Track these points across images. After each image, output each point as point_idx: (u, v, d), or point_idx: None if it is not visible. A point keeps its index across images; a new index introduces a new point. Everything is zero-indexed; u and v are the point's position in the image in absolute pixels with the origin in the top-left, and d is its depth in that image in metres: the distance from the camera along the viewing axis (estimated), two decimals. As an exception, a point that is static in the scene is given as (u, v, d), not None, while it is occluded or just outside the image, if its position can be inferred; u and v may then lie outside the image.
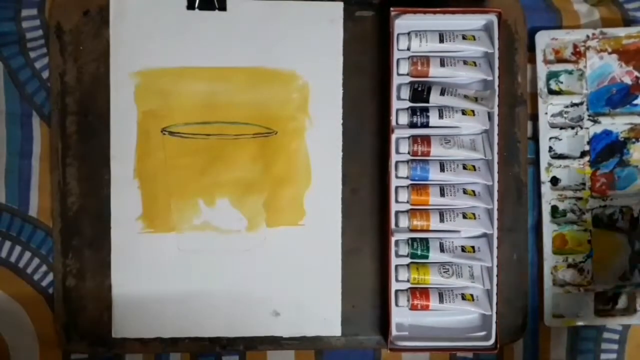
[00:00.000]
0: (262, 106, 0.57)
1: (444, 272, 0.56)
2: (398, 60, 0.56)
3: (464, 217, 0.56)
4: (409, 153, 0.56)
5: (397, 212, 0.56)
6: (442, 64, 0.56)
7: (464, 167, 0.56)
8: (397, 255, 0.56)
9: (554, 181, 0.59)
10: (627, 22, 0.60)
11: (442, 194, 0.56)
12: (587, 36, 0.59)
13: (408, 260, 0.56)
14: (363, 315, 0.58)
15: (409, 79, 0.57)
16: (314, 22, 0.57)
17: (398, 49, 0.56)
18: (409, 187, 0.56)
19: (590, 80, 0.59)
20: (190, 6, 0.57)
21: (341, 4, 0.58)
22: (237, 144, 0.57)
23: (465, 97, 0.56)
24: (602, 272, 0.59)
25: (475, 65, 0.56)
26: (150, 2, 0.57)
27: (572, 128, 0.59)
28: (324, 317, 0.58)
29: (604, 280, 0.59)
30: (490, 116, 0.56)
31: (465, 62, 0.56)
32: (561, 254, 0.59)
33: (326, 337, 0.58)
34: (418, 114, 0.56)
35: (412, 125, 0.56)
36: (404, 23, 0.56)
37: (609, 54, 0.59)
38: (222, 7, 0.57)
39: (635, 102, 0.59)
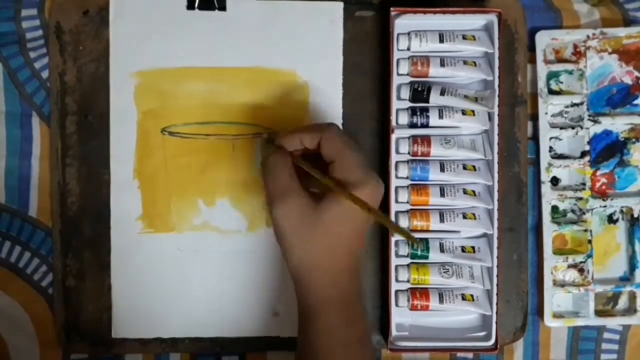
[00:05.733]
0: (262, 106, 0.57)
1: (444, 272, 0.56)
2: (398, 60, 0.56)
3: (464, 217, 0.56)
4: (409, 153, 0.56)
5: (397, 212, 0.56)
6: (442, 64, 0.56)
7: (464, 167, 0.56)
8: (397, 256, 0.56)
9: (554, 181, 0.59)
10: (628, 22, 0.60)
11: (442, 194, 0.56)
12: (588, 36, 0.59)
13: (408, 260, 0.56)
14: (363, 315, 0.58)
15: (409, 79, 0.57)
16: (314, 22, 0.57)
17: (398, 49, 0.56)
18: (409, 187, 0.56)
19: (591, 80, 0.59)
20: (190, 6, 0.57)
21: (341, 4, 0.57)
22: (237, 144, 0.57)
23: (465, 97, 0.56)
24: (602, 272, 0.59)
25: (475, 65, 0.56)
26: (150, 2, 0.57)
27: (573, 128, 0.59)
28: (324, 317, 0.58)
29: (604, 280, 0.59)
30: (490, 116, 0.56)
31: (465, 62, 0.56)
32: (561, 254, 0.59)
33: (326, 337, 0.58)
34: (418, 114, 0.56)
35: (412, 125, 0.56)
36: (404, 23, 0.56)
37: (609, 54, 0.59)
38: (222, 7, 0.57)
39: (635, 102, 0.59)
